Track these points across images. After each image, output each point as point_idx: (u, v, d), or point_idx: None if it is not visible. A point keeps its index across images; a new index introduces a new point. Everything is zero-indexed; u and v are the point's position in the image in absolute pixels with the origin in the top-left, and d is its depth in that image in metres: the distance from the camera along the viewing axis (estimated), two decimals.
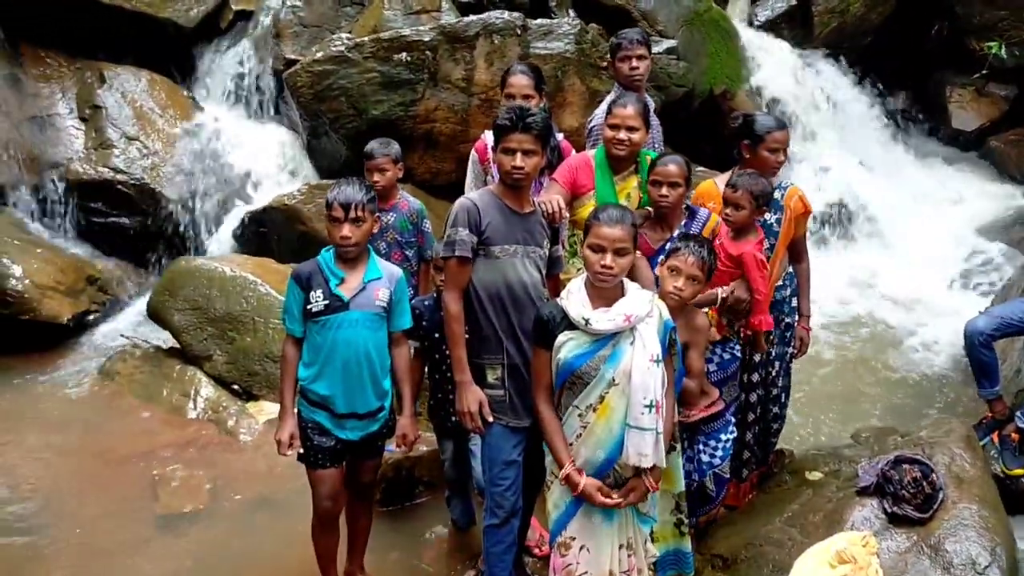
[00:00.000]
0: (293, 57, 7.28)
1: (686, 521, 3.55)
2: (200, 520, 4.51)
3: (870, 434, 4.00)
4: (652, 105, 4.88)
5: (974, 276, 7.50)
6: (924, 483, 3.38)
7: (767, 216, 3.98)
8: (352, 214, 3.43)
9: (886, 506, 3.41)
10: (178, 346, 5.73)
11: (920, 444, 3.67)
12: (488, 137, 4.35)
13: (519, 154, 3.35)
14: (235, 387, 5.49)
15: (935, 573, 3.18)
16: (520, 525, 3.65)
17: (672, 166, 3.76)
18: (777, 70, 8.84)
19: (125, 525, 4.46)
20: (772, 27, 9.31)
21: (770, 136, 4.01)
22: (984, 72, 9.47)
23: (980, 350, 4.62)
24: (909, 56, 9.98)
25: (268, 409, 5.26)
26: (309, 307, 3.49)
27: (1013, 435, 4.46)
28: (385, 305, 3.56)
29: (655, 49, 6.23)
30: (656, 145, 4.70)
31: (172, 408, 5.38)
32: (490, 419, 3.44)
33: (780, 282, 4.12)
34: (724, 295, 3.76)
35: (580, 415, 3.13)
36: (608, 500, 3.13)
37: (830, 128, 8.70)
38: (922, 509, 3.36)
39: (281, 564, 4.15)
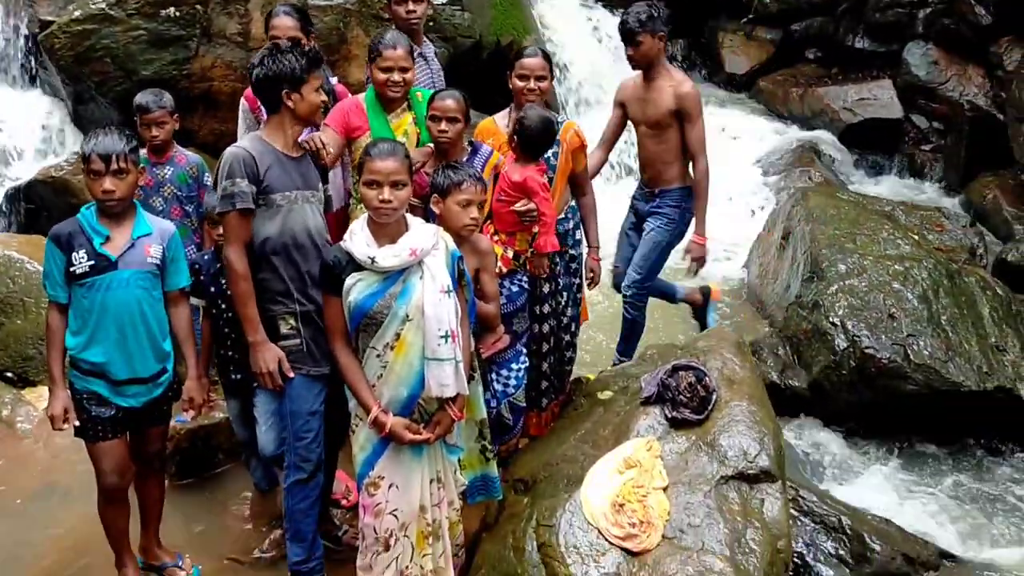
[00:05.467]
0: (49, 18, 6.69)
1: (490, 447, 3.62)
2: None
3: (655, 351, 4.22)
4: (432, 49, 4.88)
5: (751, 206, 8.06)
6: (699, 387, 3.61)
7: None
8: (114, 165, 3.21)
9: (667, 412, 3.61)
10: None
11: (696, 353, 3.92)
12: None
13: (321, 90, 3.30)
14: (8, 374, 5.09)
15: (712, 467, 3.41)
16: (324, 478, 3.60)
17: (450, 100, 3.77)
18: (561, 21, 9.06)
19: None
20: None
21: (517, 63, 4.12)
22: (751, 16, 10.12)
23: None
24: (686, 5, 10.49)
25: (47, 395, 4.87)
26: (72, 269, 3.25)
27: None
28: (158, 262, 3.38)
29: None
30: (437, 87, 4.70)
31: None
32: (291, 375, 3.36)
33: (562, 215, 4.23)
34: (521, 208, 3.85)
35: (379, 355, 3.12)
36: (417, 436, 3.14)
37: (612, 76, 9.00)
38: (698, 411, 3.58)
39: (71, 550, 3.92)
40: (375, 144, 3.18)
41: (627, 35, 4.62)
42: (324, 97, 3.34)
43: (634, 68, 4.74)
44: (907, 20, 9.32)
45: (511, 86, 4.17)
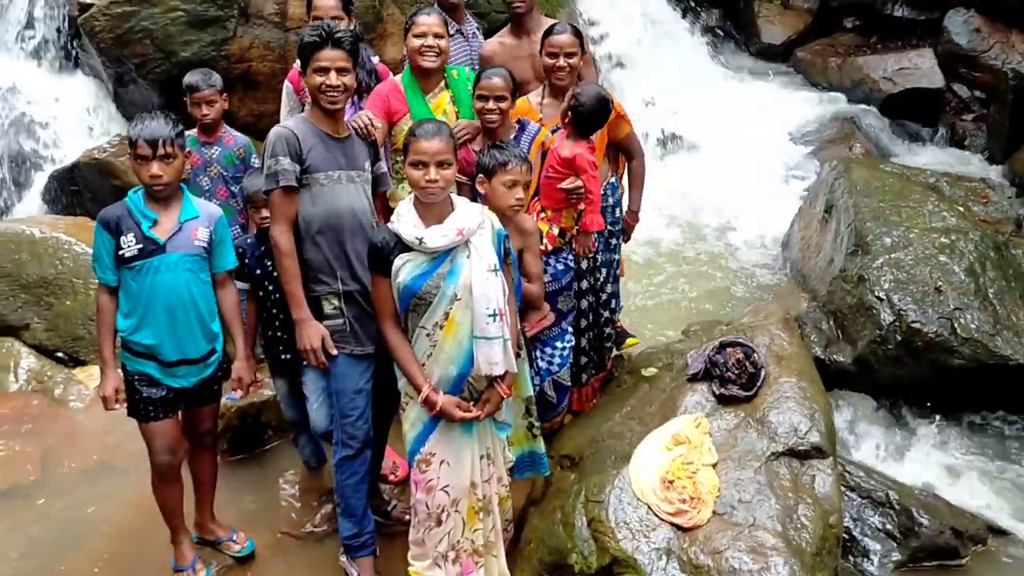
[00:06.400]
0: (88, 1, 6.74)
1: (537, 424, 3.63)
2: (35, 493, 4.27)
3: (699, 327, 4.19)
4: (474, 26, 4.86)
5: (790, 179, 7.95)
6: (747, 363, 3.59)
7: None
8: (161, 150, 3.24)
9: (714, 389, 3.60)
10: None
11: (742, 329, 3.89)
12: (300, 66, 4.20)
13: (333, 72, 3.26)
14: (59, 354, 5.18)
15: (762, 443, 3.40)
16: (373, 455, 3.64)
17: (496, 79, 3.76)
18: None
19: None
20: None
21: (546, 41, 4.07)
22: None
23: None
24: None
25: (98, 374, 4.96)
26: (121, 252, 3.29)
27: None
28: (205, 245, 3.41)
29: None
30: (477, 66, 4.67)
31: None
32: (334, 352, 3.38)
33: (602, 191, 4.21)
34: (568, 185, 3.84)
35: (428, 335, 3.13)
36: (467, 414, 3.16)
37: (649, 47, 8.92)
38: (747, 387, 3.56)
39: (126, 526, 4.00)
40: (420, 125, 3.18)
41: None
42: (328, 80, 3.26)
43: (518, 12, 4.52)
44: None
45: (542, 64, 4.12)
